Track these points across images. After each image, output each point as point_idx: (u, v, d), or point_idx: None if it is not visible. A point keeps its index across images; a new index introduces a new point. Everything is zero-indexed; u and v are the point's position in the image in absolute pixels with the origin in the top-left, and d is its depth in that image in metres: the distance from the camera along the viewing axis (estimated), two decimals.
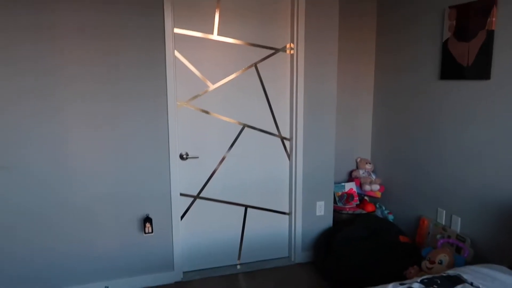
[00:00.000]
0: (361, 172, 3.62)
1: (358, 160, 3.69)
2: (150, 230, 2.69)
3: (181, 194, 2.88)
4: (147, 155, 2.68)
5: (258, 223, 3.11)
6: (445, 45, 2.78)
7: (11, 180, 2.44)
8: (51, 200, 2.53)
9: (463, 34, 2.63)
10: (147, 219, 2.69)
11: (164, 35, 2.58)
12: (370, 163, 3.66)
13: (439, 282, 1.83)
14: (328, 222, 3.23)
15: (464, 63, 2.63)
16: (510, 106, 2.36)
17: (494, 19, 2.40)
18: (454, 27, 2.70)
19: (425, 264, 2.56)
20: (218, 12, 2.77)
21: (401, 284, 1.86)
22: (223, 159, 2.94)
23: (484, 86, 2.52)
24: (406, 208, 3.31)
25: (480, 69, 2.51)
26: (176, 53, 2.72)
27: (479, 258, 2.59)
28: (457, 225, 2.77)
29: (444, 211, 2.89)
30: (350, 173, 3.73)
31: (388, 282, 1.95)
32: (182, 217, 2.91)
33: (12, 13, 2.30)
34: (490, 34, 2.43)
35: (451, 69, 2.74)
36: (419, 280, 1.87)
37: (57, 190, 2.53)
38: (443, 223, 2.90)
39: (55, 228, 2.57)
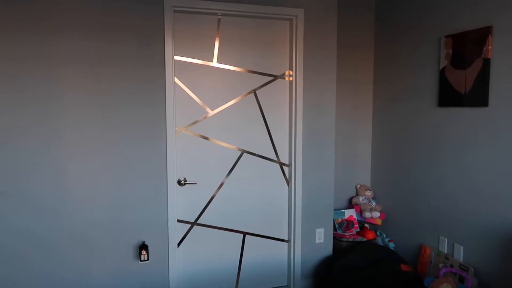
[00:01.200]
0: (361, 198, 3.58)
1: (358, 186, 3.67)
2: (146, 258, 2.64)
3: (179, 221, 2.84)
4: (144, 181, 2.66)
5: (257, 250, 3.05)
6: (442, 73, 2.81)
7: (10, 205, 2.41)
8: (48, 225, 2.49)
9: (459, 62, 2.66)
10: (143, 246, 2.65)
11: (165, 62, 2.62)
12: (370, 190, 3.62)
13: None
14: (328, 249, 3.17)
15: (461, 91, 2.65)
16: (509, 132, 2.35)
17: (490, 47, 2.44)
18: (451, 55, 2.73)
19: None
20: (218, 40, 2.81)
21: None
22: (221, 185, 2.92)
23: (482, 113, 2.52)
24: (407, 235, 3.26)
25: (478, 96, 2.52)
26: (176, 80, 2.75)
27: None
28: (459, 254, 2.71)
29: (446, 240, 2.84)
30: (350, 199, 3.70)
31: None
32: (179, 244, 2.86)
33: (15, 43, 2.34)
34: (487, 62, 2.46)
35: (449, 97, 2.76)
36: None
37: (54, 215, 2.50)
38: (445, 251, 2.85)
39: (53, 253, 2.51)
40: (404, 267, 2.83)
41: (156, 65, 2.61)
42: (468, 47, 2.59)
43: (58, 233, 2.52)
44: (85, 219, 2.56)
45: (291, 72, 2.97)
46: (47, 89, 2.42)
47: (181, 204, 2.84)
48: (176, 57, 2.73)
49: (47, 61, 2.41)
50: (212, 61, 2.82)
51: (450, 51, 2.73)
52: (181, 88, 2.77)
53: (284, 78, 2.99)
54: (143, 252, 2.62)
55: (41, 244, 2.50)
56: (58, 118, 2.46)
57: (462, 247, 2.70)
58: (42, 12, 2.37)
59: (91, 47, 2.48)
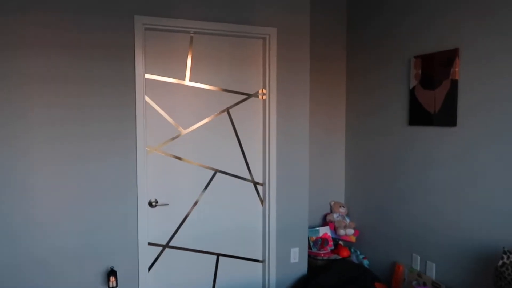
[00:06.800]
0: (335, 215, 3.58)
1: (332, 203, 3.67)
2: (114, 285, 2.52)
3: (149, 244, 2.74)
4: (113, 203, 2.56)
5: (231, 272, 2.98)
6: (412, 92, 2.87)
7: None
8: (10, 249, 2.34)
9: (428, 83, 2.72)
10: (112, 272, 2.53)
11: (135, 80, 2.55)
12: (344, 207, 3.63)
13: None
14: (303, 269, 3.13)
15: (431, 110, 2.70)
16: (475, 152, 2.41)
17: (457, 69, 2.50)
18: (420, 75, 2.79)
19: None
20: (190, 58, 2.77)
21: None
22: (194, 205, 2.85)
23: (451, 132, 2.58)
24: (381, 253, 3.27)
25: (447, 116, 2.58)
26: (147, 99, 2.67)
27: None
28: (432, 271, 2.74)
29: (419, 257, 2.86)
30: (324, 216, 3.69)
31: None
32: (150, 268, 2.75)
33: None
34: (454, 84, 2.52)
35: (419, 116, 2.81)
36: None
37: (16, 239, 2.35)
38: (418, 269, 2.87)
39: (14, 281, 2.36)
40: (378, 285, 2.83)
41: (126, 84, 2.54)
42: (437, 68, 2.65)
43: (20, 259, 2.37)
44: (49, 243, 2.43)
45: (264, 91, 2.95)
46: (12, 106, 2.30)
47: (152, 226, 2.74)
48: (147, 76, 2.66)
49: (10, 79, 2.29)
50: (185, 80, 2.76)
51: (420, 71, 2.79)
52: (153, 107, 2.70)
53: (258, 97, 2.98)
54: (112, 278, 2.51)
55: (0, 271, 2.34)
56: (23, 137, 2.34)
57: (434, 265, 2.73)
58: (6, 28, 2.26)
59: (58, 64, 2.38)
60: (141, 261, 2.65)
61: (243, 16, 2.79)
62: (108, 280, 2.51)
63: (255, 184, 3.02)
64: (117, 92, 2.52)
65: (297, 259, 3.10)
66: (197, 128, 2.82)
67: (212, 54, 2.82)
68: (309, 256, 3.29)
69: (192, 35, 2.75)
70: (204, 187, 2.86)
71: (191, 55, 2.77)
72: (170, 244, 2.80)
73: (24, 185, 2.36)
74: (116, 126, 2.53)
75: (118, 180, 2.56)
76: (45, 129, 2.39)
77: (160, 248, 2.78)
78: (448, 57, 2.56)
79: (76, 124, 2.45)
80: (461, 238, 2.53)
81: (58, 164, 2.42)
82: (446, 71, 2.57)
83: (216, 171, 2.89)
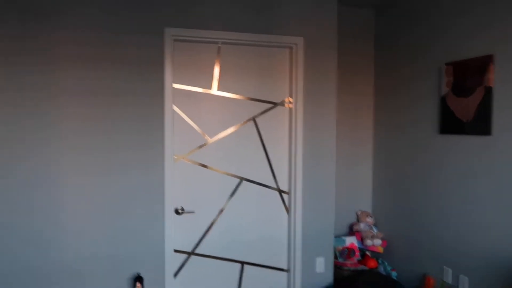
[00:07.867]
0: (362, 225, 3.51)
1: (359, 213, 3.60)
2: None
3: (175, 251, 2.77)
4: (140, 210, 2.60)
5: (255, 280, 2.97)
6: (443, 100, 2.79)
7: (1, 235, 2.35)
8: (40, 257, 2.42)
9: (461, 90, 2.64)
10: (138, 278, 2.56)
11: (164, 90, 2.59)
12: (371, 216, 3.56)
13: None
14: (329, 280, 3.08)
15: (463, 119, 2.62)
16: (511, 161, 2.32)
17: (491, 76, 2.42)
18: (452, 83, 2.71)
19: None
20: (218, 68, 2.79)
21: None
22: (219, 213, 2.86)
23: (485, 141, 2.49)
24: (410, 264, 3.18)
25: (481, 124, 2.49)
26: (175, 108, 2.71)
27: None
28: (464, 286, 2.63)
29: (451, 270, 2.76)
30: (351, 226, 3.62)
31: None
32: (175, 274, 2.78)
33: (14, 70, 2.32)
34: (489, 91, 2.43)
35: (450, 124, 2.73)
36: None
37: (46, 246, 2.43)
38: (450, 282, 2.77)
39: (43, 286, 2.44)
40: None
41: (155, 93, 2.58)
42: (470, 75, 2.57)
43: (50, 265, 2.44)
44: (78, 250, 2.49)
45: (291, 99, 2.94)
46: (43, 117, 2.39)
47: (178, 233, 2.77)
48: (175, 85, 2.70)
49: (45, 92, 2.38)
50: (212, 89, 2.79)
51: (451, 78, 2.72)
52: (180, 116, 2.73)
53: (284, 105, 2.97)
54: (138, 285, 2.54)
55: (31, 278, 2.41)
56: (54, 149, 2.42)
57: (467, 278, 2.62)
58: (42, 44, 2.36)
59: (89, 76, 2.45)
60: (167, 267, 2.67)
61: (270, 25, 2.80)
62: (135, 286, 2.54)
63: (281, 192, 3.00)
64: (146, 101, 2.57)
65: (323, 269, 3.05)
66: (223, 136, 2.84)
67: (239, 63, 2.84)
68: (335, 266, 3.24)
69: (219, 45, 2.78)
70: (229, 195, 2.87)
71: (218, 65, 2.79)
72: (196, 251, 2.82)
73: (54, 193, 2.44)
74: (145, 135, 2.58)
75: (146, 187, 2.60)
76: (76, 141, 2.46)
77: (186, 256, 2.80)
78: (482, 64, 2.47)
79: (103, 133, 2.51)
80: (496, 251, 2.43)
81: (87, 173, 2.49)
82: (479, 78, 2.49)
83: (242, 179, 2.89)
